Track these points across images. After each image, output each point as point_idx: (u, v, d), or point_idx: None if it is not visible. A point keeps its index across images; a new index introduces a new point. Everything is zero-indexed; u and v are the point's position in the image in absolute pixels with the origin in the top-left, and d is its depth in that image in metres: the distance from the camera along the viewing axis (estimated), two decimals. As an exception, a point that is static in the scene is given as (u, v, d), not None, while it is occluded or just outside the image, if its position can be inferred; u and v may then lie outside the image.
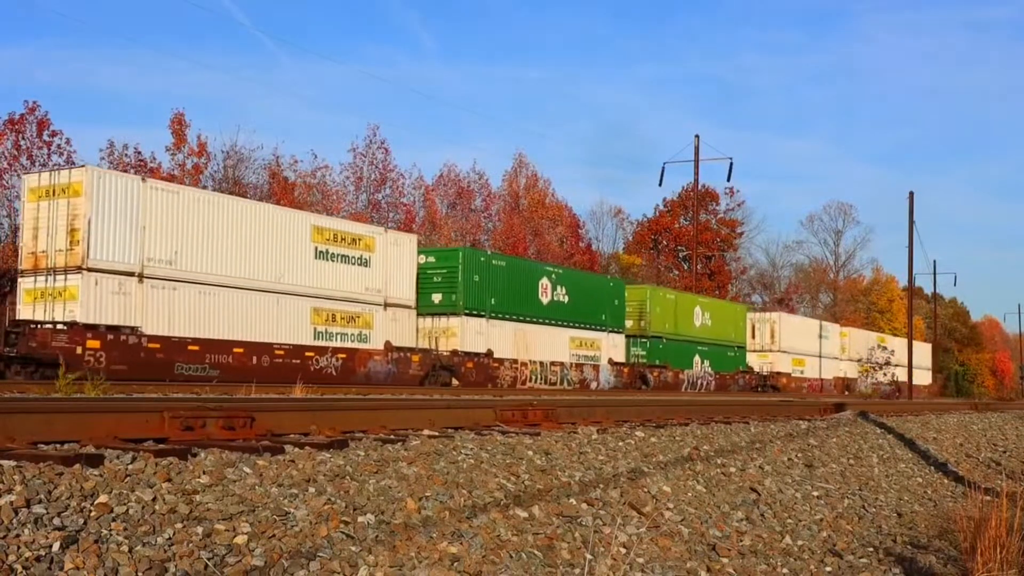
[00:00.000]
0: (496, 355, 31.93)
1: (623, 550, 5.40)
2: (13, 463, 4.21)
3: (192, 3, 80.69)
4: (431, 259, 31.95)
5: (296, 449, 5.56)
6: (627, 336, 40.62)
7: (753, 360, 52.70)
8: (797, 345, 55.72)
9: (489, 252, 34.52)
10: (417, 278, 31.03)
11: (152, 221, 23.25)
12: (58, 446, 5.10)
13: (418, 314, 31.02)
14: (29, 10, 75.22)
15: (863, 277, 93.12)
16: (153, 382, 18.11)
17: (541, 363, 33.90)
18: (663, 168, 52.45)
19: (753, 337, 53.67)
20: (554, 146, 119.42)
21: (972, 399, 42.74)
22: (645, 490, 6.66)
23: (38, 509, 3.85)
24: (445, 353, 30.26)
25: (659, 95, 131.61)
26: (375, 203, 52.61)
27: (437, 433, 7.15)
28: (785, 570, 6.08)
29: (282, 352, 25.41)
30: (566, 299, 35.70)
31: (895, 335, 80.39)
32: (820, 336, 59.07)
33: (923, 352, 73.74)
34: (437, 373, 29.49)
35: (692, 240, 56.27)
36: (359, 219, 45.78)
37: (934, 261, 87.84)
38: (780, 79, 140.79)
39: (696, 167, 50.24)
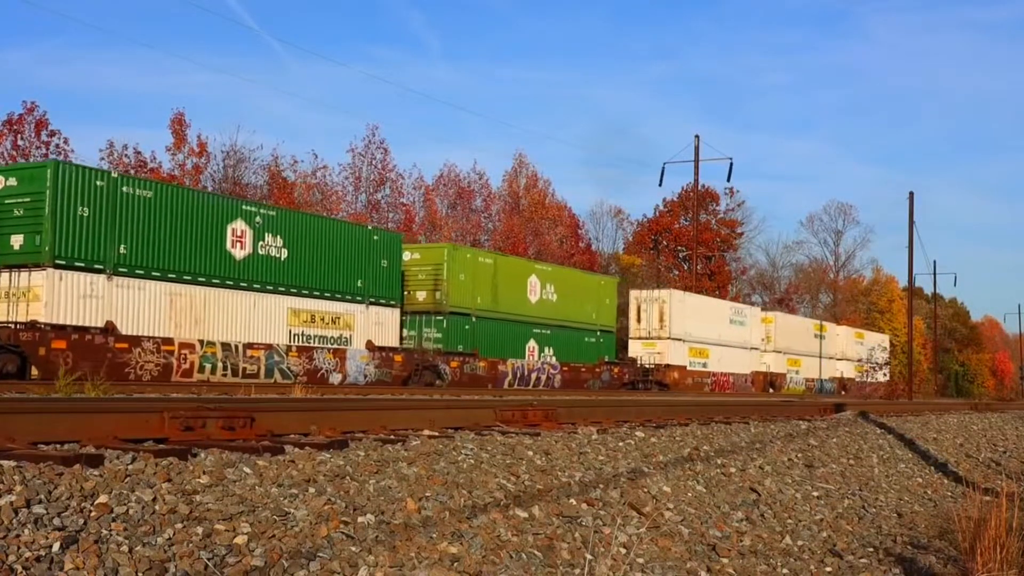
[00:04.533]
0: (128, 331, 22.02)
1: (623, 550, 5.40)
2: (13, 463, 4.21)
3: (193, 3, 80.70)
4: (11, 181, 21.66)
5: (296, 449, 5.56)
6: (413, 313, 31.72)
7: (638, 349, 43.45)
8: (697, 331, 45.26)
9: (116, 174, 23.52)
10: None
11: None
12: (58, 446, 5.10)
13: None
14: (29, 10, 75.16)
15: (863, 277, 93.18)
16: None
17: (226, 345, 24.04)
18: (663, 168, 52.77)
19: (639, 321, 44.12)
20: (554, 146, 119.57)
21: (972, 399, 42.62)
22: (645, 490, 6.66)
23: (38, 509, 3.85)
24: (6, 326, 20.32)
25: (660, 95, 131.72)
26: (374, 203, 52.63)
27: (437, 433, 7.15)
28: (785, 570, 6.08)
29: None
30: (282, 254, 25.84)
31: (895, 335, 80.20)
32: (732, 322, 48.85)
33: (877, 345, 66.17)
34: None
35: (692, 240, 56.26)
36: (359, 219, 45.63)
37: (934, 261, 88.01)
38: (781, 79, 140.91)
39: (696, 167, 50.27)
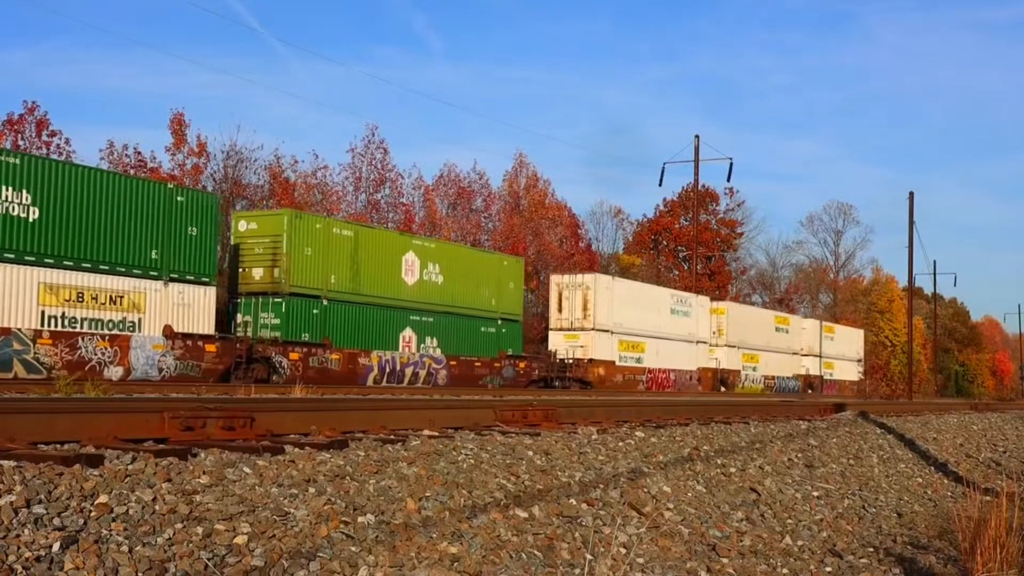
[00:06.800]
0: None
1: (623, 550, 5.40)
2: (13, 463, 4.21)
3: (193, 3, 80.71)
4: None
5: (296, 449, 5.56)
6: (250, 295, 26.72)
7: (559, 342, 38.39)
8: (629, 322, 39.81)
9: None
10: None
11: None
12: (58, 446, 5.10)
13: None
14: (29, 10, 75.17)
15: (863, 277, 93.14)
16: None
17: None
18: (663, 168, 52.59)
19: (560, 310, 39.07)
20: (554, 146, 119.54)
21: (972, 399, 42.55)
22: (645, 490, 6.66)
23: (38, 509, 3.85)
24: None
25: (660, 96, 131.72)
26: (374, 203, 52.63)
27: (437, 433, 7.15)
28: (785, 570, 6.08)
29: None
30: (31, 214, 20.37)
31: (895, 335, 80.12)
32: (674, 312, 43.34)
33: (849, 340, 61.78)
34: None
35: (692, 240, 56.21)
36: (358, 219, 45.64)
37: (934, 261, 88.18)
38: (781, 80, 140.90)
39: (696, 167, 50.23)
